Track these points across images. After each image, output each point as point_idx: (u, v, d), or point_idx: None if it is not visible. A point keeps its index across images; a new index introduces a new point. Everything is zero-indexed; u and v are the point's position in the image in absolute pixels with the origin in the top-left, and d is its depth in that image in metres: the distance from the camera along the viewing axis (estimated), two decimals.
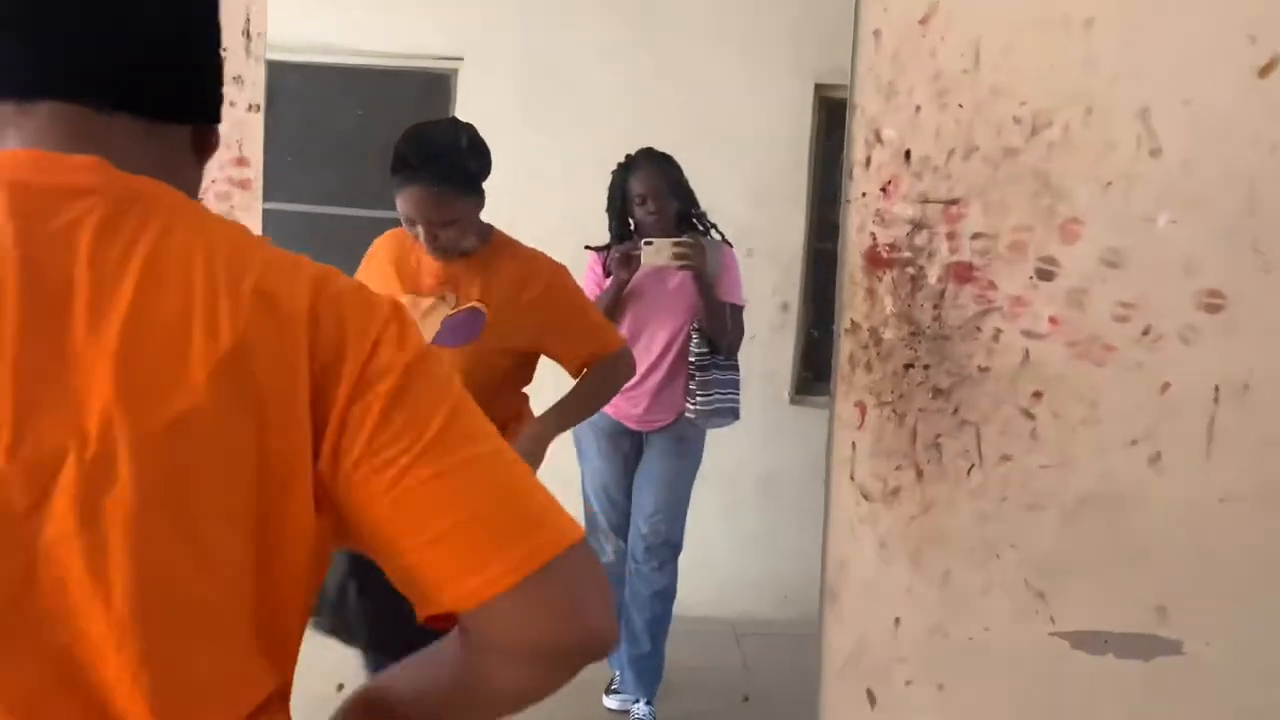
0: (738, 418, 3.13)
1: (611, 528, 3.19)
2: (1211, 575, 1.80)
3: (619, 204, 3.03)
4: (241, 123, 1.74)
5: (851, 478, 1.79)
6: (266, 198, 1.81)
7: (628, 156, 3.06)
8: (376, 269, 2.11)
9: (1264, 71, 1.73)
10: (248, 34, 1.73)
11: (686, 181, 3.04)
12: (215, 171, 1.76)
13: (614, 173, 3.08)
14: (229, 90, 1.76)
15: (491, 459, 0.75)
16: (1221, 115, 1.75)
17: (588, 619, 0.74)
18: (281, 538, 0.72)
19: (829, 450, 1.80)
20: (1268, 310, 1.74)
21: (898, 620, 1.80)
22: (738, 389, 3.12)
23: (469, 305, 2.03)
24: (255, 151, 1.74)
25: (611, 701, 3.20)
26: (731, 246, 3.06)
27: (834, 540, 1.79)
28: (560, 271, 2.14)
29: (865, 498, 1.80)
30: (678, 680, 3.43)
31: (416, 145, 1.92)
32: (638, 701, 3.13)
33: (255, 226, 1.77)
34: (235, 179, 1.76)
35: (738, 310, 3.07)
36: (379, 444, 0.72)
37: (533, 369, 2.19)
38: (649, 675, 3.08)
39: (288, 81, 3.70)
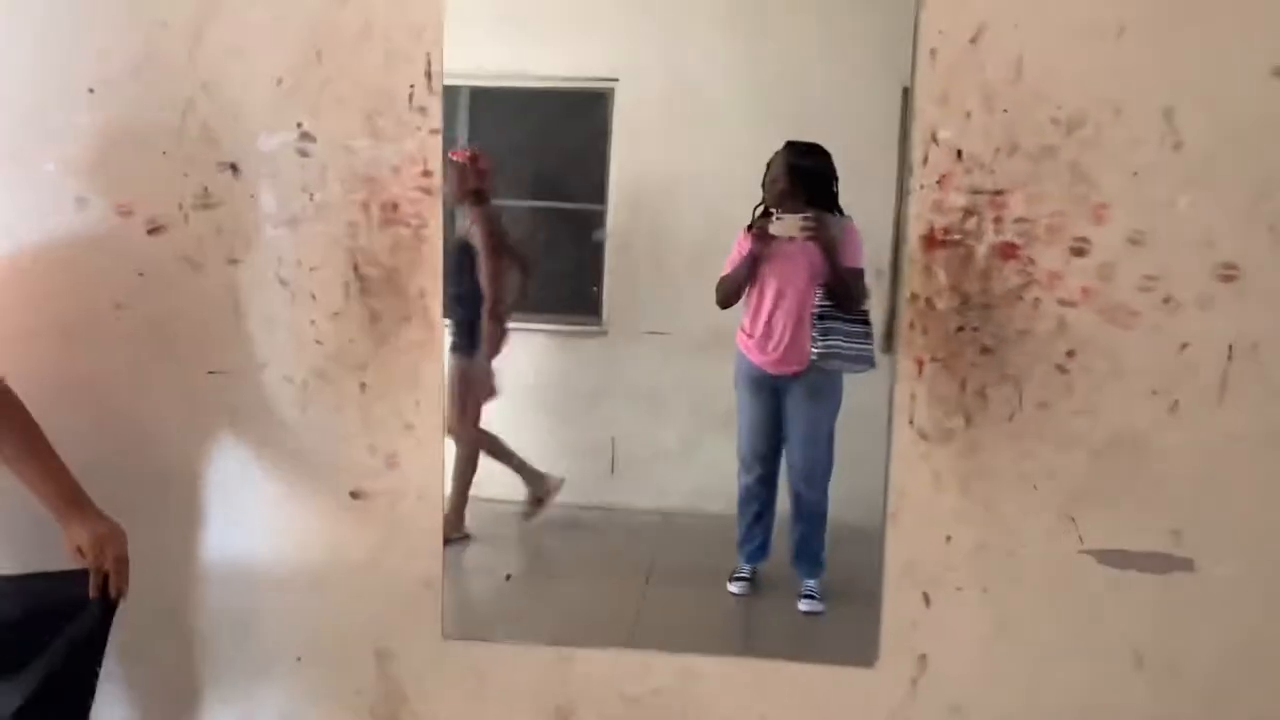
0: (872, 364, 3.10)
1: (756, 456, 3.31)
2: (1220, 504, 1.88)
3: (766, 183, 3.11)
4: (425, 143, 1.89)
5: (911, 422, 1.84)
6: None
7: (789, 143, 3.12)
8: None
9: (1279, 71, 1.63)
10: (429, 74, 1.88)
11: (823, 167, 3.06)
12: (408, 181, 1.87)
13: (772, 158, 3.14)
14: (415, 118, 1.87)
15: None
16: (1239, 112, 1.79)
17: None
18: None
19: (891, 398, 1.85)
20: (1276, 279, 1.72)
21: (949, 538, 1.89)
22: (868, 340, 3.10)
23: None
24: (437, 165, 1.95)
25: (734, 587, 3.30)
26: (853, 221, 3.06)
27: (895, 472, 1.89)
28: None
29: (923, 438, 1.85)
30: (775, 570, 3.49)
31: None
32: (808, 580, 3.21)
33: (439, 223, 1.93)
34: (423, 187, 1.90)
35: (858, 272, 3.07)
36: None
37: None
38: (815, 564, 3.20)
39: (484, 101, 3.88)
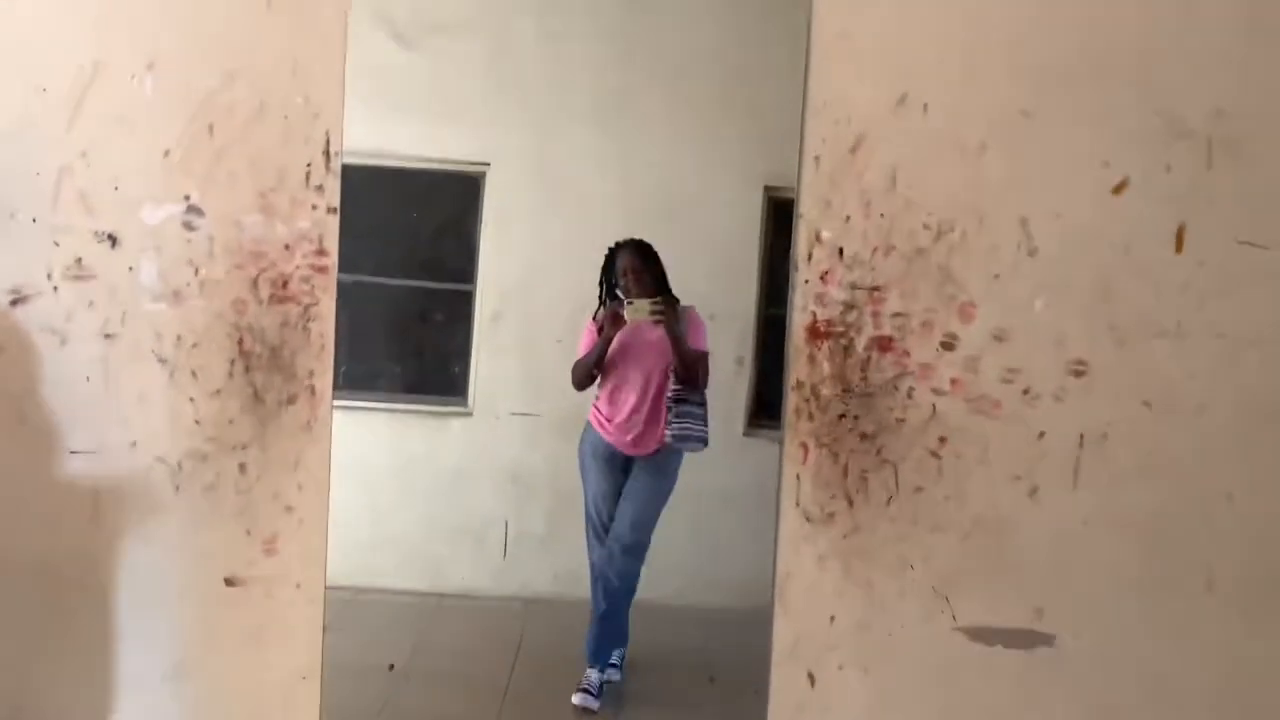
0: (707, 444, 3.25)
1: (604, 530, 3.30)
2: (1077, 583, 2.01)
3: (608, 278, 3.22)
4: (322, 222, 1.88)
5: (796, 504, 1.89)
6: (352, 271, 1.89)
7: (616, 243, 3.25)
8: None
9: (1116, 190, 1.86)
10: (328, 153, 1.85)
11: (660, 262, 3.21)
12: (299, 260, 1.83)
13: (606, 254, 3.26)
14: (311, 196, 1.85)
15: None
16: (1084, 224, 1.97)
17: None
18: None
19: (779, 482, 1.89)
20: (1120, 376, 1.90)
21: (832, 618, 1.91)
22: (706, 422, 3.27)
23: None
24: (332, 244, 1.87)
25: (576, 699, 3.22)
26: (695, 309, 3.20)
27: (782, 554, 1.90)
28: None
29: (807, 520, 1.90)
30: (650, 658, 3.50)
31: None
32: (604, 669, 3.37)
33: (331, 303, 1.88)
34: (316, 265, 1.87)
35: (703, 356, 3.22)
36: None
37: None
38: (613, 645, 3.37)
39: (358, 178, 3.86)
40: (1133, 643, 1.95)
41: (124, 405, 1.90)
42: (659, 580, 3.79)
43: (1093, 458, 1.92)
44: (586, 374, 3.31)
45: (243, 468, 1.92)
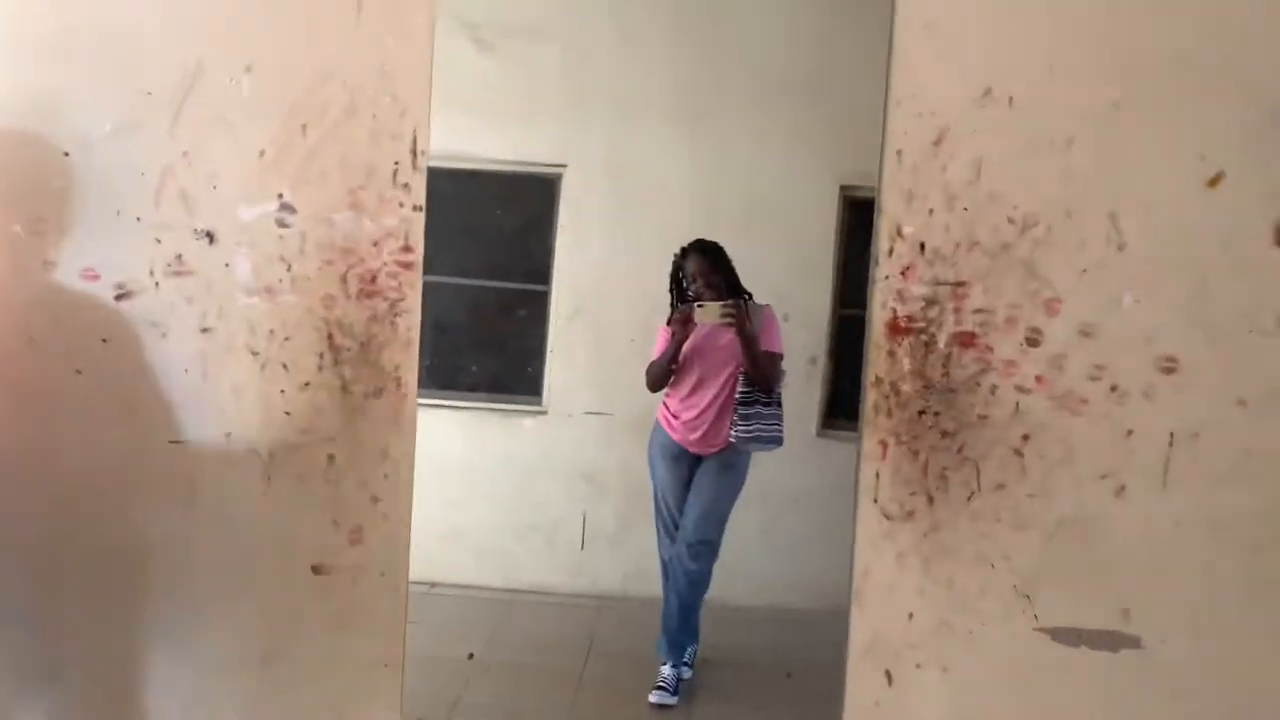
0: (781, 444, 3.27)
1: (674, 527, 3.34)
2: (1166, 585, 1.95)
3: (679, 281, 3.25)
4: (408, 219, 1.91)
5: (875, 501, 1.89)
6: (428, 271, 1.94)
7: (682, 248, 3.28)
8: None
9: (1212, 183, 1.81)
10: (414, 152, 1.88)
11: (730, 262, 3.23)
12: (386, 256, 1.87)
13: (673, 259, 3.30)
14: (398, 194, 1.90)
15: None
16: (1177, 218, 1.92)
17: None
18: None
19: (857, 479, 1.89)
20: (1213, 373, 1.85)
21: (911, 615, 1.89)
22: (780, 421, 3.27)
23: None
24: (417, 242, 1.91)
25: (654, 697, 3.24)
26: (771, 307, 3.20)
27: (860, 551, 1.89)
28: None
29: (886, 518, 1.89)
30: (724, 657, 3.53)
31: None
32: (678, 666, 3.39)
33: (417, 298, 1.92)
34: (402, 262, 1.91)
35: (777, 357, 3.22)
36: None
37: None
38: (686, 642, 3.39)
39: (437, 180, 3.94)
40: (1223, 647, 1.89)
41: (220, 397, 1.97)
42: (732, 580, 3.81)
43: (1184, 457, 1.87)
44: (662, 375, 3.34)
45: (331, 459, 1.97)
